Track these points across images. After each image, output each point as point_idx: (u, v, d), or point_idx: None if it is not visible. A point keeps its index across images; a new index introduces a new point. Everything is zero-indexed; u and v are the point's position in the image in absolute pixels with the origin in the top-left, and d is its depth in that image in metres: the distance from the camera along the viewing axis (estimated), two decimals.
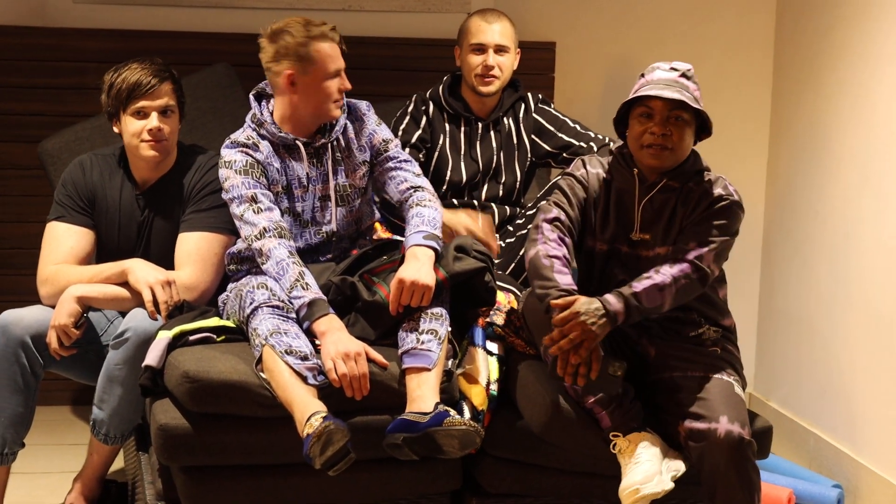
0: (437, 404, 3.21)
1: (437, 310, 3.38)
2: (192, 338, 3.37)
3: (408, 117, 4.12)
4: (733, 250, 3.36)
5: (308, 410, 3.12)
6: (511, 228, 4.08)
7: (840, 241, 4.27)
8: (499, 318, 3.56)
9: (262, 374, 3.24)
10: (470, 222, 3.79)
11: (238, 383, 3.21)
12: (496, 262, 3.74)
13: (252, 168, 3.50)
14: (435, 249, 3.41)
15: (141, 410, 3.52)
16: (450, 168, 4.10)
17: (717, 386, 3.23)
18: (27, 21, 4.54)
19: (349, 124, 3.64)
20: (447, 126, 4.13)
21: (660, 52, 4.10)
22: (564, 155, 4.13)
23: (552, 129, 4.16)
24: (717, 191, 3.33)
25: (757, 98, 4.93)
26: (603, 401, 3.22)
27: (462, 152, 4.12)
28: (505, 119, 4.16)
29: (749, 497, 3.16)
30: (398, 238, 3.73)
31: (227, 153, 3.53)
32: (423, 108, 4.13)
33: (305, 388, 3.18)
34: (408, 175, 3.63)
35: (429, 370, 3.27)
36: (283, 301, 3.33)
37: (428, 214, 3.51)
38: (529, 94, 4.21)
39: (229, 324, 3.46)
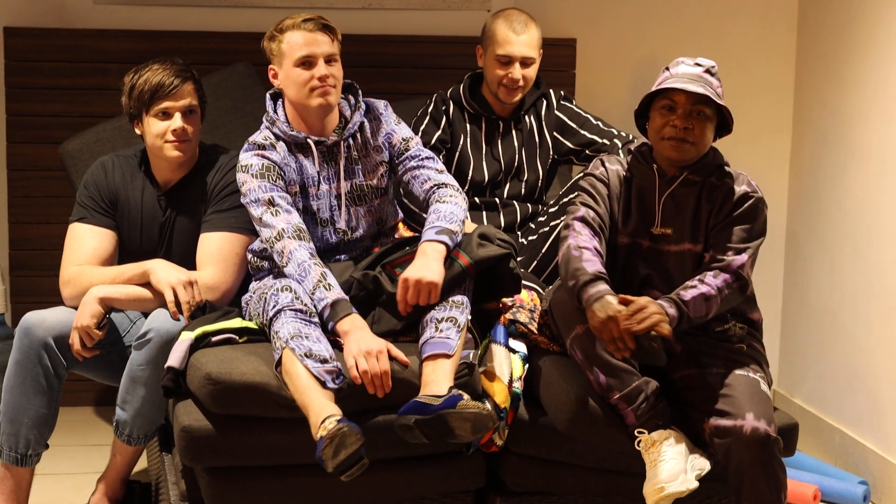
0: (451, 388, 3.17)
1: (459, 297, 3.36)
2: (214, 339, 3.36)
3: (427, 118, 4.09)
4: None
5: (323, 413, 3.09)
6: (533, 226, 4.06)
7: (863, 234, 4.25)
8: (522, 316, 3.55)
9: (281, 376, 3.23)
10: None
11: (260, 385, 3.21)
12: (518, 259, 3.73)
13: (268, 171, 3.49)
14: (447, 244, 3.39)
15: (164, 411, 3.51)
16: (472, 167, 4.08)
17: (743, 383, 3.22)
18: (46, 22, 4.55)
19: (366, 123, 3.62)
20: (468, 126, 4.10)
21: (681, 49, 4.06)
22: (587, 152, 4.11)
23: (574, 126, 4.13)
24: (742, 188, 3.32)
25: (780, 94, 4.91)
26: (628, 397, 3.21)
27: (483, 151, 4.10)
28: (526, 117, 4.14)
29: (775, 494, 3.14)
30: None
31: (244, 157, 3.53)
32: (444, 108, 4.11)
33: (322, 392, 3.16)
34: (430, 173, 3.61)
35: (447, 356, 3.24)
36: (306, 305, 3.31)
37: (445, 210, 3.48)
38: (551, 91, 4.18)
39: (252, 325, 3.45)
